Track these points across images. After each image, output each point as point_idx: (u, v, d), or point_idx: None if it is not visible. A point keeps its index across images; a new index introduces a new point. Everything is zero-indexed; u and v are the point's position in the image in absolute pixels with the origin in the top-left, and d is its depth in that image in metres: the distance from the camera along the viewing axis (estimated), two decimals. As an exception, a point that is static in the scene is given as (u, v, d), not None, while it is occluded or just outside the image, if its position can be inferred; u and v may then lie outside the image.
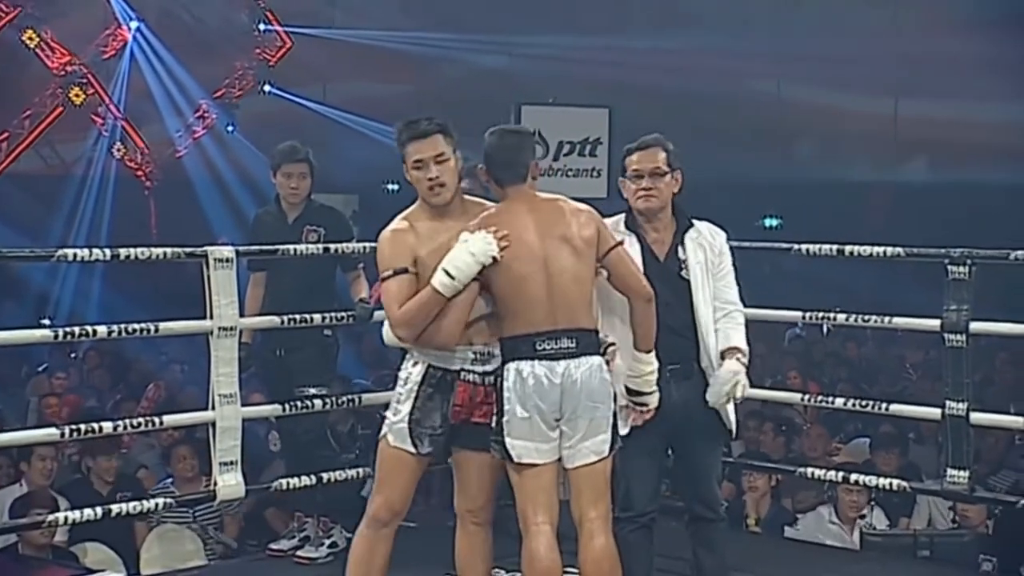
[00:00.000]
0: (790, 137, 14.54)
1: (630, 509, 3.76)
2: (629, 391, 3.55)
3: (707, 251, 3.78)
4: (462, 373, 3.45)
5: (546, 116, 5.88)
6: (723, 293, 3.78)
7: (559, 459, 3.42)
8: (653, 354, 3.55)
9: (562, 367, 3.36)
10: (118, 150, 14.31)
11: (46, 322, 11.37)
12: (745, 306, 3.91)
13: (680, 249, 3.77)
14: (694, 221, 3.84)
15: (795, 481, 5.64)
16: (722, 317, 3.76)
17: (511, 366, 3.39)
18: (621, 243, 3.56)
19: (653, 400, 3.60)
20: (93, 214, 13.65)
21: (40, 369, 9.12)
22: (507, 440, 3.38)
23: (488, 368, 3.47)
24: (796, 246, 4.70)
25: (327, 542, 4.75)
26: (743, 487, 5.84)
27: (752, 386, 3.91)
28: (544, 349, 3.36)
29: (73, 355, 9.54)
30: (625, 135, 4.14)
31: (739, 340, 3.75)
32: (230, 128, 15.08)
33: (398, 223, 3.51)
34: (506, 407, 3.38)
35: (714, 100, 13.59)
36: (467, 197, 3.59)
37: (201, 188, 14.31)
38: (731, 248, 3.93)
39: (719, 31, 13.48)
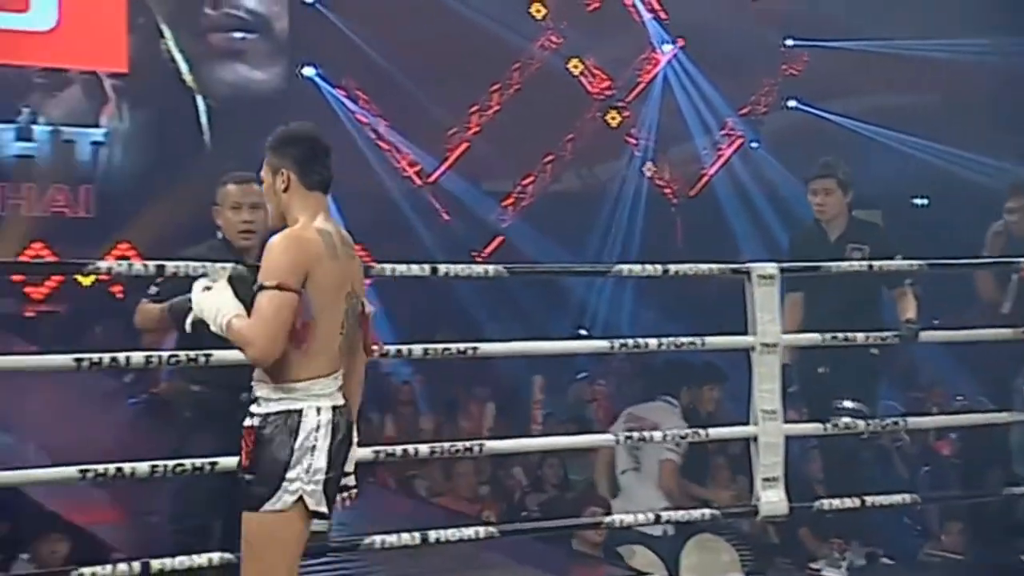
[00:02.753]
0: None
1: None
2: None
3: None
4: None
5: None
6: None
7: None
8: None
9: None
10: (648, 169, 14.98)
11: (583, 332, 12.12)
12: None
13: None
14: None
15: None
16: None
17: None
18: None
19: None
20: (626, 230, 14.34)
21: (580, 376, 9.65)
22: None
23: None
24: None
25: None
26: None
27: None
28: None
29: (584, 375, 9.67)
30: None
31: None
32: (754, 144, 15.24)
33: None
34: None
35: None
36: None
37: (727, 204, 14.56)
38: None
39: None
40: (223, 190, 3.91)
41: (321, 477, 2.91)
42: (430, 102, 13.14)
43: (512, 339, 6.63)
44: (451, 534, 4.07)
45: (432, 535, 4.03)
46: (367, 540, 3.97)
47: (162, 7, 12.36)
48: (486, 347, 4.58)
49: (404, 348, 4.36)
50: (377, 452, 4.22)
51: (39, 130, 11.74)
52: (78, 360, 3.55)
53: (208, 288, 3.00)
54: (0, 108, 11.46)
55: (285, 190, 3.03)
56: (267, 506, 2.89)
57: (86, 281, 10.17)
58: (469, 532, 4.13)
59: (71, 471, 3.61)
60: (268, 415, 2.91)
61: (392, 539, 3.98)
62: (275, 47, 13.15)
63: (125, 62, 12.04)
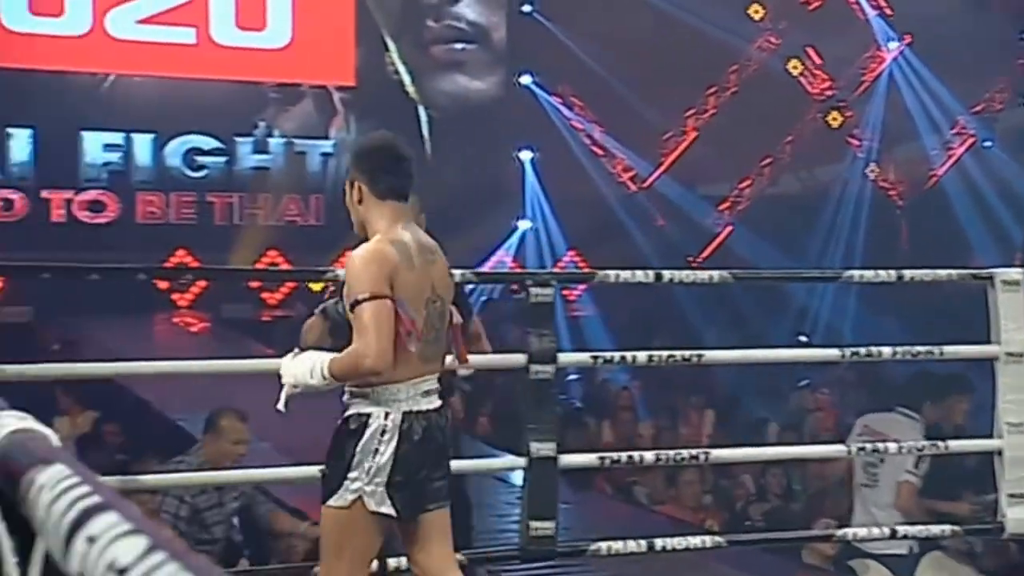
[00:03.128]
0: None
1: None
2: None
3: None
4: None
5: None
6: None
7: None
8: None
9: None
10: (872, 170, 14.50)
11: (803, 338, 11.82)
12: None
13: None
14: None
15: None
16: None
17: None
18: None
19: None
20: (849, 233, 13.95)
21: (801, 384, 9.41)
22: None
23: None
24: None
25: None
26: None
27: None
28: None
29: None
30: None
31: None
32: (988, 143, 14.55)
33: None
34: None
35: None
36: None
37: (958, 205, 13.95)
38: None
39: None
40: None
41: (383, 479, 2.96)
42: (645, 107, 13.12)
43: (730, 345, 6.57)
44: (678, 542, 4.05)
45: (659, 543, 4.02)
46: (594, 546, 3.99)
47: (387, 21, 12.79)
48: (712, 354, 4.53)
49: (628, 355, 4.35)
50: (602, 458, 4.23)
51: (274, 143, 12.34)
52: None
53: (296, 355, 3.08)
54: (239, 123, 12.10)
55: (360, 201, 3.11)
56: (331, 501, 3.00)
57: (317, 287, 10.62)
58: (696, 541, 4.10)
59: (312, 470, 3.73)
60: (346, 417, 3.02)
61: (618, 546, 3.99)
62: (494, 57, 13.41)
63: (353, 76, 12.53)
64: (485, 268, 11.28)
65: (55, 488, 0.76)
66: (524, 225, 13.49)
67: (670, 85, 13.05)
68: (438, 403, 3.07)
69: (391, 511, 2.98)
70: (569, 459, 4.08)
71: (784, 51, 14.16)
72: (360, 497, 2.97)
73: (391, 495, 2.97)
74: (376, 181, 3.09)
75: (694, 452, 4.26)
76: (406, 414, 2.98)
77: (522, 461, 3.89)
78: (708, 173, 14.05)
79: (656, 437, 7.95)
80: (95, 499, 0.71)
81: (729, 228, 14.10)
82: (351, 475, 2.97)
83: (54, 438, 0.94)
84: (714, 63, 13.73)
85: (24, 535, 0.97)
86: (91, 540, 0.67)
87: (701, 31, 13.15)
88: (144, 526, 0.66)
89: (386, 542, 3.19)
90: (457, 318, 3.18)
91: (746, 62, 14.08)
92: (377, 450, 2.96)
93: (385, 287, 2.93)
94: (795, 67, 14.23)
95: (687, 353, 4.31)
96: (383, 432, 2.97)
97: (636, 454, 4.30)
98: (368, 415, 2.98)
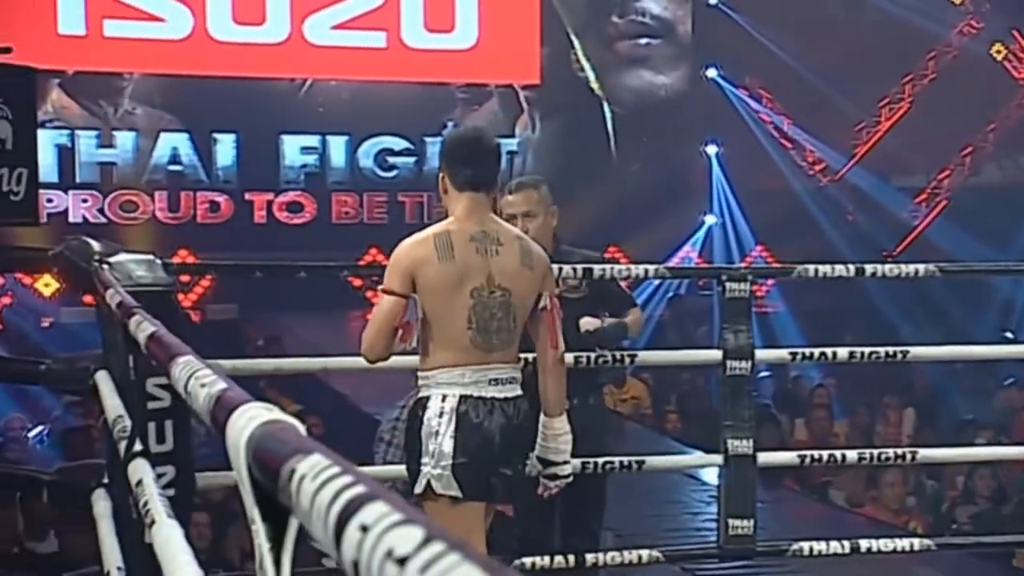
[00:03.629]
0: None
1: None
2: None
3: None
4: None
5: None
6: None
7: None
8: None
9: None
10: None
11: (1008, 335, 11.29)
12: None
13: None
14: None
15: None
16: None
17: None
18: None
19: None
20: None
21: (1008, 382, 9.03)
22: None
23: None
24: None
25: None
26: None
27: None
28: None
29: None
30: None
31: None
32: None
33: None
34: None
35: None
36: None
37: None
38: None
39: None
40: (501, 200, 3.70)
41: (447, 463, 2.99)
42: (836, 97, 12.77)
43: (928, 342, 6.33)
44: (883, 544, 3.92)
45: (863, 544, 3.91)
46: (795, 546, 3.90)
47: (572, 18, 12.83)
48: (917, 351, 4.37)
49: (829, 351, 4.23)
50: (802, 457, 4.14)
51: (461, 142, 12.52)
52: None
53: None
54: (428, 123, 12.32)
55: (446, 191, 3.18)
56: (415, 490, 3.05)
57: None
58: (904, 543, 3.96)
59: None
60: (414, 401, 3.10)
61: (821, 546, 3.89)
62: (679, 51, 13.28)
63: (538, 74, 12.61)
64: (671, 263, 11.18)
65: (317, 478, 0.79)
66: (710, 220, 13.33)
67: (863, 74, 12.65)
68: (513, 393, 3.08)
69: (458, 493, 3.01)
70: (767, 457, 4.01)
71: (987, 35, 13.56)
72: (429, 481, 3.02)
73: (456, 476, 3.00)
74: (455, 173, 3.15)
75: (900, 451, 4.12)
76: (464, 398, 3.02)
77: (718, 458, 3.84)
78: (904, 164, 13.57)
79: (851, 436, 7.73)
80: (360, 488, 0.73)
81: (944, 203, 13.53)
82: (423, 460, 3.02)
83: (302, 428, 0.98)
84: (910, 50, 13.25)
85: (276, 521, 1.01)
86: (364, 529, 0.69)
87: (896, 17, 12.71)
88: (415, 516, 0.67)
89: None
90: (547, 302, 3.15)
91: (945, 48, 13.54)
92: (437, 432, 3.01)
93: (404, 285, 3.04)
94: (999, 51, 13.60)
95: (891, 349, 4.17)
96: (440, 415, 3.02)
97: (838, 453, 4.19)
98: (427, 399, 3.05)
